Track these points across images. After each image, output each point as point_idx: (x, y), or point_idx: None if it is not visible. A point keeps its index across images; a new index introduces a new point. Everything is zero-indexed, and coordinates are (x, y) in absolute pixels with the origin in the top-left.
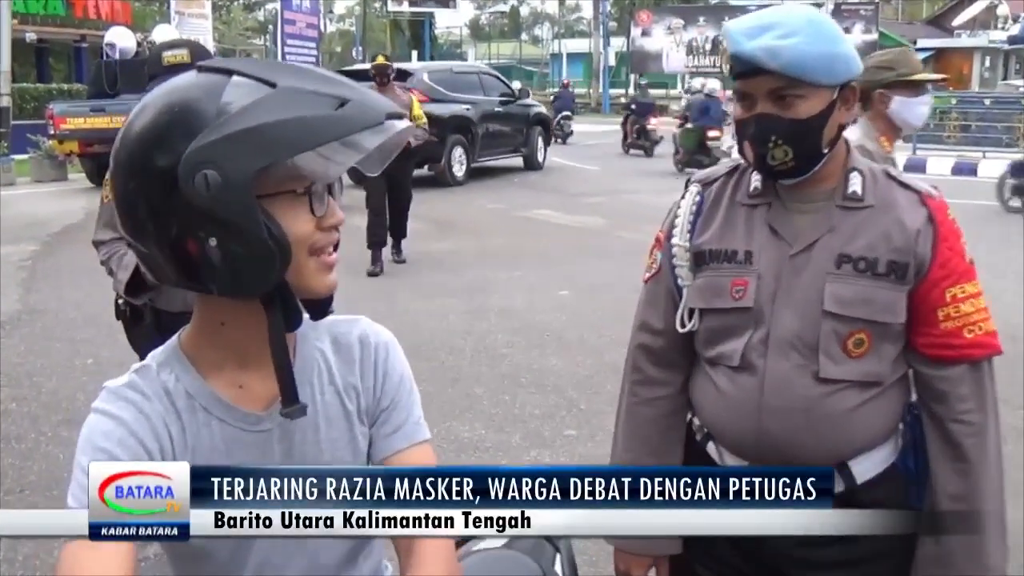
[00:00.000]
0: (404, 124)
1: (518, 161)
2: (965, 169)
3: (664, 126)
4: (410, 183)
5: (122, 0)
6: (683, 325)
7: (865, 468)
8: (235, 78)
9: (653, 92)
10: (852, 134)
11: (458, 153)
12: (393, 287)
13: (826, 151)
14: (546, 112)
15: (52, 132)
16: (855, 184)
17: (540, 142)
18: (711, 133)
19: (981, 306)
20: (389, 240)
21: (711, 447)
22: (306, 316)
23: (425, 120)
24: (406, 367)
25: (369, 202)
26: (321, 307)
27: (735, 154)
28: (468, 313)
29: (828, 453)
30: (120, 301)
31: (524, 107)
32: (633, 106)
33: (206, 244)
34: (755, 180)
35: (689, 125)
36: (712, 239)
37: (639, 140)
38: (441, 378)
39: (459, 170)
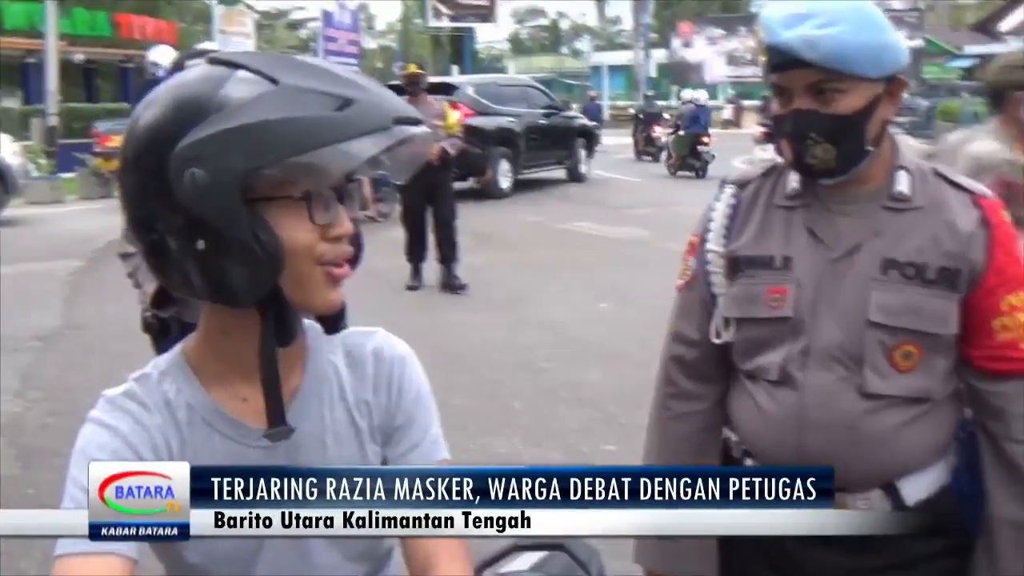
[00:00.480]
0: (418, 130)
1: (558, 173)
2: None
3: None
4: (452, 196)
5: (167, 20)
6: (718, 336)
7: (915, 490)
8: (239, 72)
9: None
10: (987, 144)
11: (504, 165)
12: (433, 300)
13: (870, 149)
14: (589, 124)
15: (98, 150)
16: (902, 183)
17: (583, 154)
18: (703, 139)
19: None
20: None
21: (748, 465)
22: (319, 328)
23: (459, 129)
24: (424, 382)
25: (405, 218)
26: (333, 320)
27: (762, 155)
28: (508, 326)
29: (874, 473)
30: (148, 314)
31: (567, 119)
32: (641, 116)
33: (194, 246)
34: (793, 180)
35: (681, 132)
36: (748, 244)
37: (647, 147)
38: (479, 392)
39: (504, 182)
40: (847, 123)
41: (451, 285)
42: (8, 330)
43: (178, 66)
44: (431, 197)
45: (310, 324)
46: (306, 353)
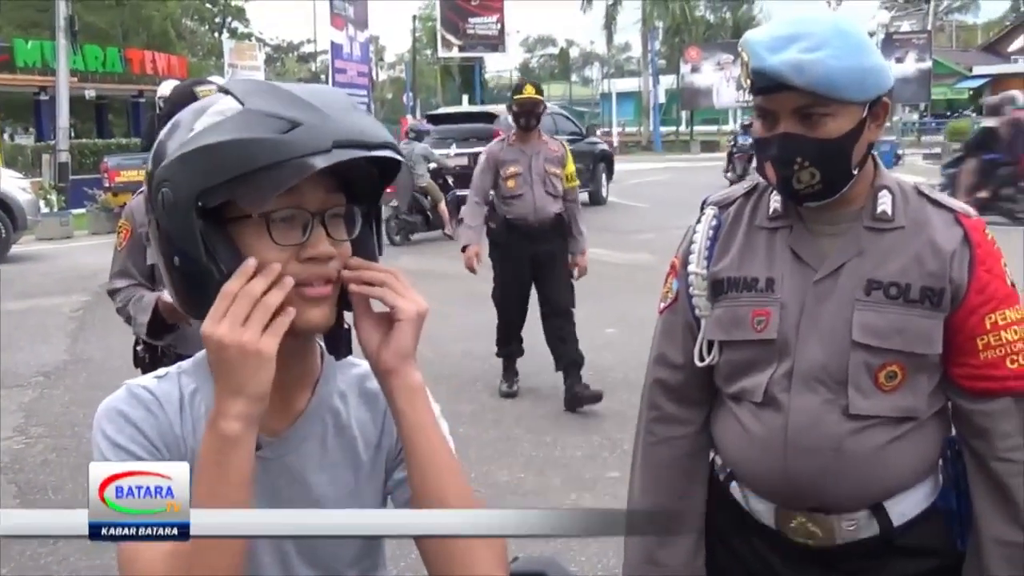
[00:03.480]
0: (364, 153)
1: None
2: None
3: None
4: (568, 275)
5: (178, 55)
6: (702, 359)
7: (902, 509)
8: (225, 97)
9: (705, 128)
10: None
11: None
12: (438, 327)
13: (855, 172)
14: (609, 149)
15: (107, 185)
16: (884, 203)
17: (604, 178)
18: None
19: None
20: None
21: (734, 488)
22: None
23: (577, 183)
24: (436, 410)
25: (498, 295)
26: (335, 343)
27: None
28: None
29: (861, 494)
30: (139, 348)
31: (591, 145)
32: (735, 150)
33: (172, 262)
34: (775, 201)
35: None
36: (730, 266)
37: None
38: (482, 420)
39: None
40: (834, 147)
41: (581, 396)
42: (13, 366)
43: (189, 96)
44: (538, 270)
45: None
46: (317, 379)
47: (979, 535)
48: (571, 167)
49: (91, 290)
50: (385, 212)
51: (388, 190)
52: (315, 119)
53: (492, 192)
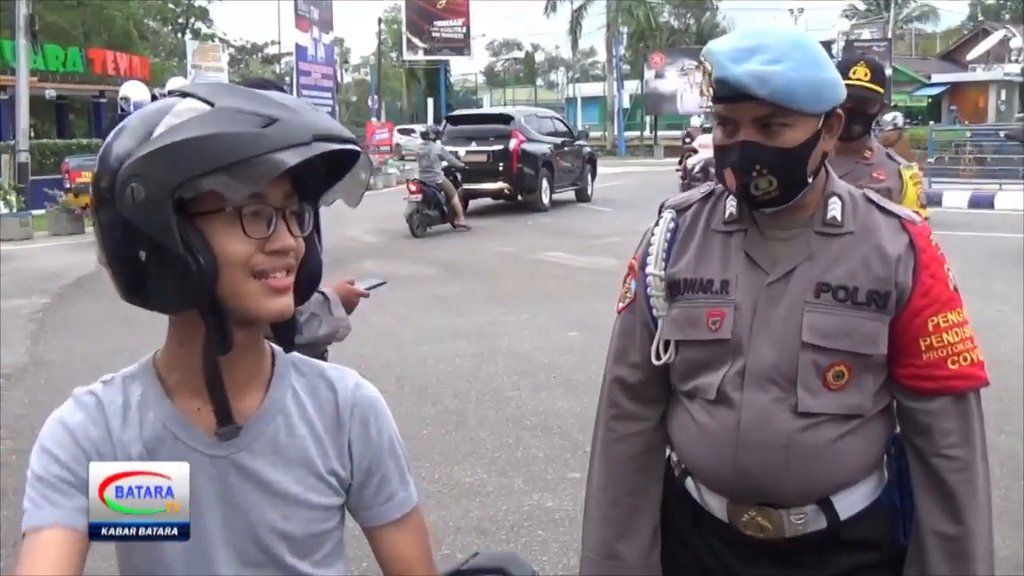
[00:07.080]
0: (338, 147)
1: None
2: (982, 202)
3: None
4: None
5: (140, 56)
6: (658, 357)
7: (849, 504)
8: (186, 100)
9: (669, 133)
10: None
11: (544, 184)
12: (401, 331)
13: (810, 180)
14: (594, 151)
15: (68, 186)
16: (834, 209)
17: (589, 178)
18: None
19: (966, 335)
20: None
21: (689, 483)
22: (291, 358)
23: (926, 215)
24: (394, 427)
25: None
26: (284, 333)
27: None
28: (475, 356)
29: (809, 489)
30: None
31: (580, 146)
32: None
33: (138, 257)
34: (730, 206)
35: None
36: (687, 268)
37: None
38: (445, 422)
39: (545, 198)
40: (791, 156)
41: None
42: None
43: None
44: None
45: (280, 354)
46: (269, 379)
47: (919, 528)
48: (911, 194)
49: (51, 292)
50: (408, 208)
51: (413, 189)
52: (290, 115)
53: None
